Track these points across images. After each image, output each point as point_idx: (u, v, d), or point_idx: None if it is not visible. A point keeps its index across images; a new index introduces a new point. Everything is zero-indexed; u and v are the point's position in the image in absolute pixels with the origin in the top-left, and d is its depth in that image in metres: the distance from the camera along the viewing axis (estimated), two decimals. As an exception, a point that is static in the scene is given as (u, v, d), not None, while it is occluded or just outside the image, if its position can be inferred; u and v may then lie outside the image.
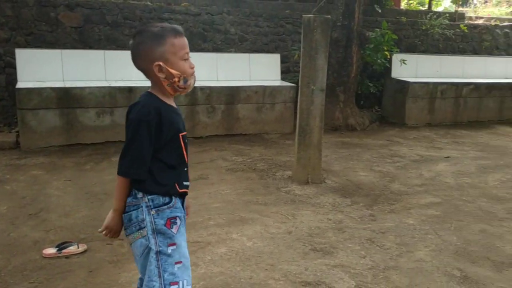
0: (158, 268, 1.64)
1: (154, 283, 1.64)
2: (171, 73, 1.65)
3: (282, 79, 6.88)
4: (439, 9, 11.41)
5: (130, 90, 5.40)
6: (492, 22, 9.66)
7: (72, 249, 2.84)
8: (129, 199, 1.68)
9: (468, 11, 15.89)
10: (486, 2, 18.83)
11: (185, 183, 1.78)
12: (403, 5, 12.17)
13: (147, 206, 1.66)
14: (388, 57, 6.96)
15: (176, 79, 1.67)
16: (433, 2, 11.37)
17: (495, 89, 7.43)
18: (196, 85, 5.53)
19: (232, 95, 5.93)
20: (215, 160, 4.94)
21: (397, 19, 8.04)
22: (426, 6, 10.35)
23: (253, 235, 3.15)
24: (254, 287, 2.50)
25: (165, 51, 1.64)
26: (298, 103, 4.25)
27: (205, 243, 2.99)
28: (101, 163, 4.64)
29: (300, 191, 4.06)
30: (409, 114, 6.97)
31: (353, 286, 2.54)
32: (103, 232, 1.73)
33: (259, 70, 6.72)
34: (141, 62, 1.68)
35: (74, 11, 6.13)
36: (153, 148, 1.65)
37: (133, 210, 1.67)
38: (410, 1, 13.24)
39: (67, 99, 5.15)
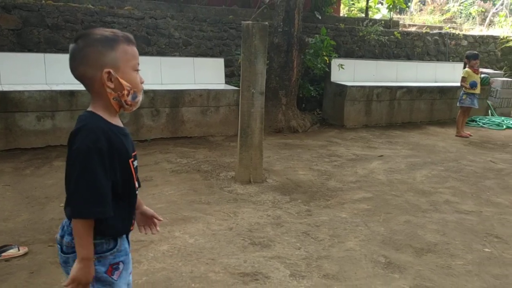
0: None
1: None
2: (121, 84, 1.45)
3: (227, 82, 7.05)
4: (377, 16, 12.00)
5: (72, 93, 5.35)
6: (424, 30, 10.32)
7: (12, 252, 2.84)
8: (69, 239, 1.46)
9: (405, 19, 16.81)
10: (421, 10, 19.95)
11: (134, 216, 1.61)
12: (343, 12, 12.72)
13: None
14: (328, 62, 7.30)
15: (126, 92, 1.47)
16: (373, 10, 11.97)
17: (426, 92, 7.98)
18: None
19: (176, 98, 6.02)
20: (160, 163, 5.00)
21: (336, 26, 8.43)
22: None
23: (195, 232, 3.28)
24: (195, 280, 2.63)
25: (117, 58, 1.45)
26: (240, 106, 4.43)
27: (148, 242, 3.08)
28: (42, 168, 4.58)
29: (242, 190, 4.23)
30: (347, 116, 7.34)
31: (287, 274, 2.73)
32: (69, 286, 1.41)
33: (204, 73, 6.85)
34: (85, 68, 1.44)
35: (12, 13, 5.98)
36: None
37: (72, 253, 1.46)
38: (352, 8, 13.85)
39: (5, 103, 5.03)
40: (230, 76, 7.40)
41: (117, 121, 1.51)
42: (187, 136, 6.13)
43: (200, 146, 5.77)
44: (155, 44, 6.96)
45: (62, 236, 1.50)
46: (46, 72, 5.82)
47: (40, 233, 3.17)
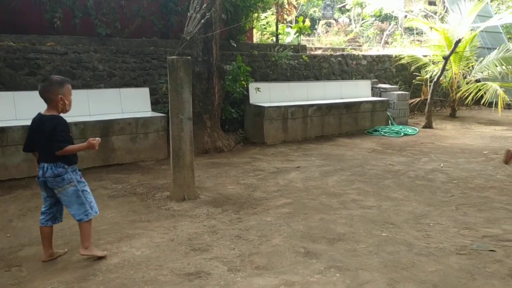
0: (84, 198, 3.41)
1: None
2: (65, 102, 3.28)
3: (153, 110, 7.46)
4: (288, 39, 13.04)
5: (3, 130, 5.50)
6: (329, 52, 11.48)
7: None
8: (50, 173, 3.25)
9: (313, 40, 18.21)
10: (327, 31, 21.64)
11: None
12: (256, 37, 13.63)
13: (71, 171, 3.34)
14: (245, 86, 8.02)
15: (67, 106, 3.31)
16: (283, 34, 12.99)
17: (334, 108, 8.96)
18: (70, 121, 5.97)
19: (106, 127, 6.34)
20: (96, 190, 5.29)
21: (250, 53, 9.21)
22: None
23: (141, 246, 3.69)
24: (147, 283, 3.06)
25: (64, 91, 3.28)
26: (170, 131, 4.91)
27: (97, 258, 3.44)
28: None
29: (178, 207, 4.68)
30: (267, 134, 8.06)
31: (225, 270, 3.25)
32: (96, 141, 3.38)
33: (130, 103, 7.22)
34: (50, 95, 3.23)
35: None
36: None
37: (64, 174, 3.28)
38: (264, 32, 14.83)
39: None
40: (156, 103, 7.83)
41: None
42: (119, 163, 6.45)
43: (133, 172, 6.12)
44: (80, 77, 7.22)
45: (44, 173, 3.28)
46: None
47: (-6, 262, 3.41)
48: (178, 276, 3.16)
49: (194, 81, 7.27)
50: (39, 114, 3.31)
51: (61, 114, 3.33)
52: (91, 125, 6.21)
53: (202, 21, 5.41)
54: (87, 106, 6.80)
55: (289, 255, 3.51)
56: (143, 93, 7.43)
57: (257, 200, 4.93)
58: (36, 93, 6.43)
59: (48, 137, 3.18)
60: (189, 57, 4.85)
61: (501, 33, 15.48)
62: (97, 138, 3.40)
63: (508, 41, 15.54)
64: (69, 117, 6.43)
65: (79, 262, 3.40)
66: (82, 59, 7.27)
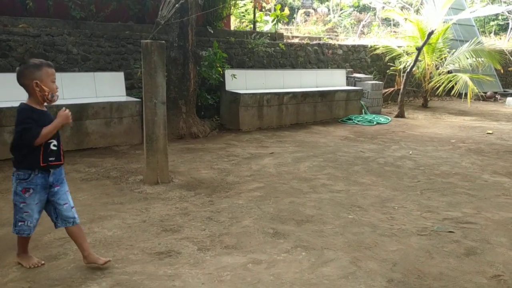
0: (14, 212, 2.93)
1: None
2: (43, 88, 2.76)
3: (128, 94, 7.44)
4: (266, 28, 13.07)
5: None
6: (305, 41, 11.58)
7: None
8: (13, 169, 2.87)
9: (292, 29, 18.29)
10: (306, 21, 21.73)
11: (50, 158, 2.90)
12: (234, 24, 13.62)
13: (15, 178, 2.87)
14: (221, 72, 8.06)
15: (46, 93, 2.78)
16: (261, 22, 13.00)
17: (309, 97, 9.08)
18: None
19: (79, 111, 6.30)
20: (69, 173, 5.29)
21: (227, 39, 9.23)
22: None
23: (113, 227, 3.75)
24: (117, 262, 3.12)
25: (42, 74, 2.76)
26: (144, 115, 4.94)
27: (70, 238, 3.48)
28: None
29: (151, 190, 4.74)
30: (242, 121, 8.14)
31: (195, 249, 3.34)
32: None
33: (105, 87, 7.19)
34: (24, 80, 2.76)
35: None
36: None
37: (13, 176, 2.88)
38: (243, 20, 14.82)
39: None
40: (131, 88, 7.80)
41: (41, 107, 2.85)
42: (93, 147, 6.44)
43: (107, 156, 6.13)
44: (53, 60, 7.13)
45: None
46: None
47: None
48: (148, 255, 3.23)
49: (169, 67, 7.29)
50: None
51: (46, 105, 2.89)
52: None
53: (177, 5, 5.41)
54: (61, 90, 6.70)
55: (258, 236, 3.62)
56: (118, 77, 7.40)
57: (230, 184, 5.02)
58: (6, 76, 6.39)
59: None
60: (163, 41, 4.87)
61: (474, 26, 15.86)
62: (65, 109, 2.90)
63: (481, 35, 15.95)
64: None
65: (51, 242, 3.44)
66: (55, 42, 7.18)
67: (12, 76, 6.35)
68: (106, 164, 5.70)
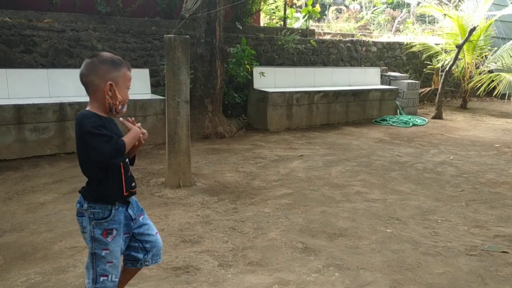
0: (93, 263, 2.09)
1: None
2: (116, 95, 2.02)
3: (153, 92, 7.21)
4: (296, 25, 12.67)
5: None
6: (338, 38, 11.12)
7: None
8: (78, 206, 2.06)
9: (323, 26, 17.80)
10: (338, 18, 21.18)
11: (132, 184, 2.17)
12: (264, 21, 13.28)
13: (89, 217, 2.03)
14: (250, 70, 7.72)
15: (118, 102, 2.03)
16: (292, 19, 12.63)
17: (341, 96, 8.65)
18: (64, 101, 5.69)
19: (102, 109, 6.09)
20: (89, 173, 5.08)
21: (256, 36, 8.89)
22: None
23: (129, 235, 3.47)
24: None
25: (119, 76, 2.02)
26: (166, 115, 4.66)
27: (82, 247, 3.22)
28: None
29: (172, 195, 4.45)
30: (270, 121, 7.79)
31: (216, 265, 3.02)
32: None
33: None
34: (94, 78, 1.99)
35: None
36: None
37: (80, 216, 2.07)
38: (273, 17, 14.47)
39: None
40: (156, 86, 7.57)
41: (106, 115, 2.06)
42: (116, 146, 6.22)
43: (129, 156, 5.89)
44: (78, 56, 6.97)
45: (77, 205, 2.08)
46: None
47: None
48: (164, 271, 2.93)
49: (195, 64, 7.02)
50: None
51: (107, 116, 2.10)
52: (86, 106, 5.95)
53: (203, -2, 5.12)
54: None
55: (286, 251, 3.27)
56: (143, 74, 7.17)
57: (256, 189, 4.68)
58: (30, 72, 6.25)
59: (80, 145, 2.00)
60: (187, 36, 4.57)
61: (517, 22, 14.97)
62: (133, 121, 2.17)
63: (524, 32, 15.05)
64: (63, 97, 6.26)
65: (61, 251, 3.19)
66: (80, 38, 7.01)
67: (35, 73, 6.24)
68: (128, 165, 5.45)
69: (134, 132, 2.08)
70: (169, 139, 4.65)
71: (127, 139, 2.02)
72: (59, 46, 6.79)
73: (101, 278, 2.08)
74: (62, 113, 5.75)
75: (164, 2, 8.52)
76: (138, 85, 7.06)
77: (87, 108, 2.03)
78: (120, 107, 2.05)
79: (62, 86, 6.35)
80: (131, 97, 6.75)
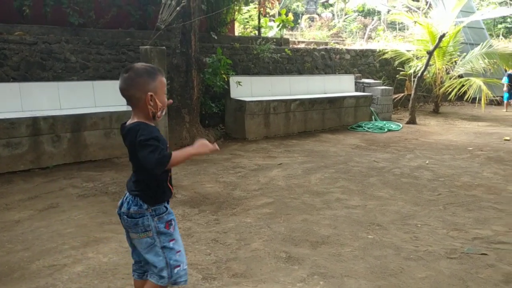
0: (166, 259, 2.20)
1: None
2: (157, 104, 2.12)
3: (129, 104, 7.11)
4: (270, 33, 12.75)
5: None
6: (312, 46, 11.25)
7: None
8: (136, 208, 2.16)
9: (296, 35, 17.98)
10: (310, 26, 21.43)
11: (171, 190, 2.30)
12: (238, 31, 13.33)
13: (151, 215, 2.18)
14: (226, 79, 7.72)
15: (159, 109, 2.14)
16: (266, 28, 12.70)
17: (317, 103, 8.73)
18: (38, 114, 5.58)
19: (77, 122, 5.98)
20: (65, 188, 4.97)
21: (232, 45, 8.91)
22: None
23: (109, 251, 3.39)
24: (112, 295, 2.77)
25: (156, 86, 2.12)
26: (144, 127, 4.59)
27: (61, 265, 3.14)
28: None
29: (152, 208, 4.38)
30: (248, 129, 7.79)
31: (200, 278, 2.98)
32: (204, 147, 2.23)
33: (105, 96, 6.86)
34: (135, 91, 2.08)
35: None
36: None
37: (140, 217, 2.16)
38: (247, 26, 14.53)
39: None
40: (132, 97, 7.46)
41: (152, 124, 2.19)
42: (92, 160, 6.11)
43: (106, 169, 5.79)
44: (51, 69, 6.83)
45: (128, 208, 2.18)
46: None
47: None
48: (147, 286, 2.87)
49: (171, 74, 6.97)
50: (122, 125, 2.22)
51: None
52: (61, 119, 5.85)
53: (178, 8, 5.08)
54: (58, 99, 6.43)
55: (270, 261, 3.25)
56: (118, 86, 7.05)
57: (237, 199, 4.66)
58: (2, 86, 6.08)
59: (135, 153, 2.09)
60: (164, 47, 4.54)
61: (483, 29, 15.50)
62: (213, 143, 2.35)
63: (490, 38, 15.57)
64: (37, 111, 6.12)
65: (39, 270, 3.09)
66: (53, 50, 6.87)
67: (6, 86, 6.08)
68: (105, 178, 5.36)
69: (201, 147, 2.22)
70: (148, 152, 4.58)
71: (182, 154, 2.13)
72: (31, 59, 6.64)
73: (175, 270, 2.21)
74: (35, 127, 5.61)
75: (138, 13, 8.46)
76: (114, 97, 6.94)
77: (135, 120, 2.13)
78: (159, 113, 2.16)
79: (35, 100, 6.21)
80: (106, 109, 6.65)
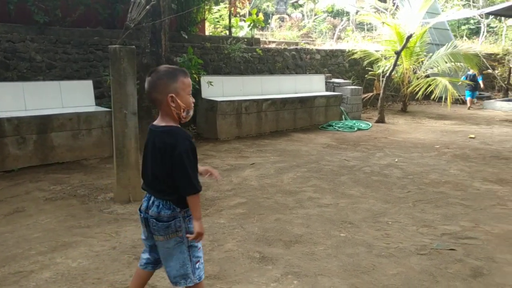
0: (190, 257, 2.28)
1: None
2: (179, 104, 2.14)
3: (97, 104, 6.97)
4: (241, 33, 12.73)
5: None
6: (282, 46, 11.30)
7: None
8: (168, 212, 2.19)
9: (267, 35, 18.02)
10: (281, 26, 21.53)
11: None
12: (209, 30, 13.24)
13: (183, 216, 2.23)
14: (197, 79, 7.66)
15: (182, 110, 2.16)
16: (236, 28, 12.67)
17: (288, 103, 8.77)
18: (2, 116, 5.41)
19: (44, 124, 5.81)
20: (31, 192, 4.81)
21: (202, 45, 8.84)
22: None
23: (78, 256, 3.31)
24: (82, 301, 2.70)
25: (177, 87, 2.13)
26: (113, 127, 4.50)
27: (27, 272, 3.03)
28: None
29: (122, 210, 4.30)
30: (220, 130, 7.75)
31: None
32: (198, 238, 2.23)
33: (72, 97, 6.69)
34: (157, 94, 2.13)
35: None
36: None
37: (172, 220, 2.20)
38: (217, 25, 14.45)
39: None
40: (100, 97, 7.32)
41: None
42: (59, 162, 5.95)
43: (74, 171, 5.65)
44: (15, 68, 6.61)
45: (158, 212, 2.19)
46: None
47: None
48: (119, 291, 2.82)
49: (141, 74, 6.83)
50: (151, 125, 2.27)
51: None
52: (26, 121, 5.66)
53: (148, 7, 5.01)
54: (23, 100, 6.22)
55: (243, 261, 3.24)
56: (86, 86, 6.91)
57: (210, 200, 4.62)
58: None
59: (165, 162, 2.16)
60: (133, 46, 4.46)
61: (448, 30, 15.93)
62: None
63: (455, 39, 16.03)
64: (0, 112, 5.90)
65: (5, 277, 2.97)
66: (17, 49, 6.65)
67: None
68: (73, 181, 5.22)
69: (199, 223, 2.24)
70: (117, 153, 4.50)
71: (198, 206, 2.23)
72: (-7, 58, 6.41)
73: (197, 265, 2.31)
74: (-1, 129, 5.42)
75: (106, 12, 8.28)
76: (81, 97, 6.81)
77: (160, 122, 2.19)
78: (184, 113, 2.18)
79: (-2, 101, 6.00)
80: (74, 110, 6.49)
